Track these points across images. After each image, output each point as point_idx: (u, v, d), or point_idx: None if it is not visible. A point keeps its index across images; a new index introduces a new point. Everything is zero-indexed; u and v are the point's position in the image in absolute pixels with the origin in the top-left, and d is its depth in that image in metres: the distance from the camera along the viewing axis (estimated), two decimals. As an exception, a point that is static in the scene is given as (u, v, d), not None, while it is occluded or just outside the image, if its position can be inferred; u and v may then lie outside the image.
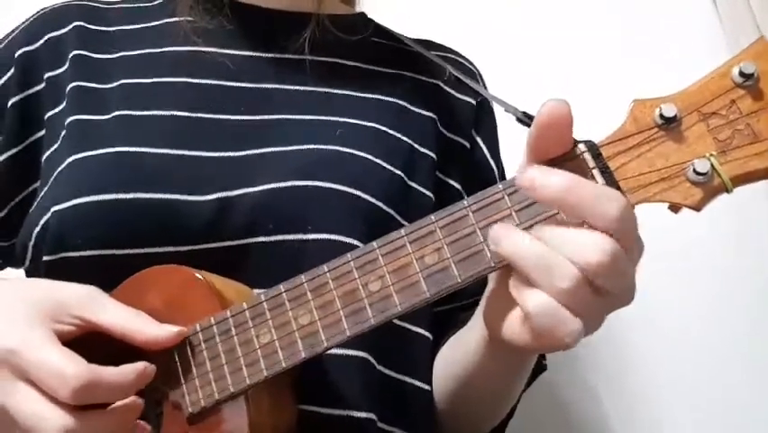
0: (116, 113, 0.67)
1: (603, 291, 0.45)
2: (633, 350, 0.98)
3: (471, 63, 0.83)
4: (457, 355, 0.65)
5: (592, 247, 0.44)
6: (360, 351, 0.61)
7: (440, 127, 0.75)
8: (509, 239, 0.46)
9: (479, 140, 0.78)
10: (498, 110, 0.67)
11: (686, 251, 0.97)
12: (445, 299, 0.69)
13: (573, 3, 1.11)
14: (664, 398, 0.96)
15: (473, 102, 0.78)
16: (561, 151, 0.48)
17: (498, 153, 0.80)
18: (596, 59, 1.07)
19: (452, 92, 0.78)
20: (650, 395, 0.97)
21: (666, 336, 0.98)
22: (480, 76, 0.83)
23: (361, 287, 0.50)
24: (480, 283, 0.52)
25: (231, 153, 0.65)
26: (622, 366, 0.98)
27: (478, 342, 0.59)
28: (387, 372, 0.63)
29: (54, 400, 0.48)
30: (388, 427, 0.62)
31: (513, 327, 0.49)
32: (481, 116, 0.78)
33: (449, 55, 0.82)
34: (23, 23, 0.77)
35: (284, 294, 0.52)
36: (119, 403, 0.50)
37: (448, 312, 0.71)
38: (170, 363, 0.54)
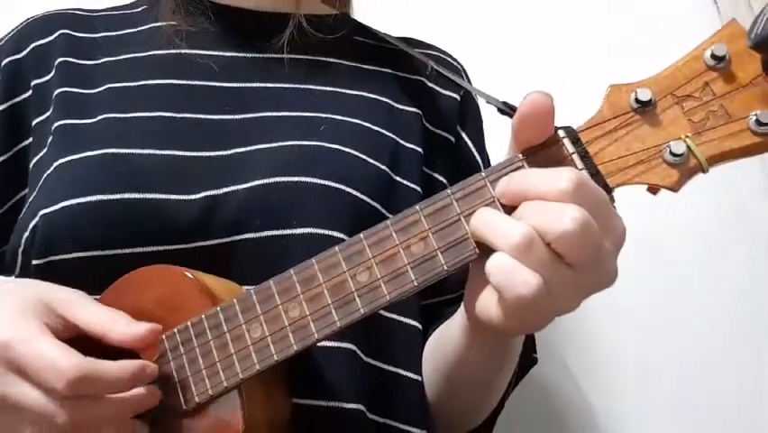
0: (102, 116, 0.68)
1: (571, 261, 0.46)
2: (619, 340, 0.99)
3: (455, 59, 0.84)
4: (441, 347, 0.65)
5: (556, 213, 0.45)
6: (346, 342, 0.61)
7: (425, 122, 0.76)
8: (475, 215, 0.49)
9: (463, 134, 0.78)
10: (482, 102, 0.68)
11: (672, 241, 0.98)
12: (431, 292, 0.70)
13: (574, 3, 1.12)
14: (649, 388, 0.97)
15: (457, 97, 0.79)
16: (542, 139, 0.50)
17: (484, 146, 0.81)
18: (596, 59, 1.07)
19: (436, 87, 0.79)
20: (633, 385, 0.98)
21: (650, 325, 0.99)
22: (464, 71, 0.84)
23: (349, 278, 0.51)
24: (466, 276, 0.53)
25: (217, 152, 0.65)
26: (609, 358, 0.99)
27: (459, 331, 0.60)
28: (374, 363, 0.64)
29: (47, 391, 0.49)
30: (378, 418, 0.62)
31: (487, 304, 0.50)
32: (465, 110, 0.79)
33: (431, 52, 0.82)
34: (10, 32, 0.78)
35: (273, 288, 0.53)
36: (124, 394, 0.51)
37: (433, 306, 0.71)
38: (163, 360, 0.54)
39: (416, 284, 0.50)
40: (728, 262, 1.01)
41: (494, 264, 0.46)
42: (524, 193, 0.48)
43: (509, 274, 0.46)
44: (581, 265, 0.46)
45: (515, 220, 0.47)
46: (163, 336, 0.55)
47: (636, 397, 0.97)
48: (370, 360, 0.63)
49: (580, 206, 0.45)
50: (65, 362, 0.49)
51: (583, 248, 0.46)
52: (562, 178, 0.46)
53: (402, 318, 0.67)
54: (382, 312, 0.64)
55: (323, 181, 0.64)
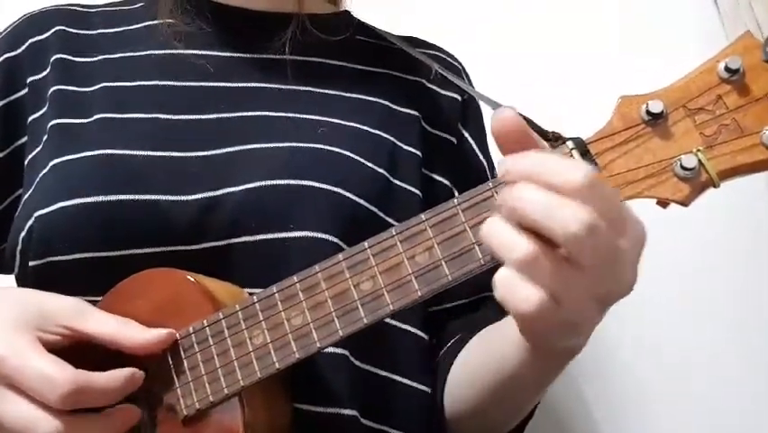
0: (98, 116, 0.67)
1: (580, 265, 0.43)
2: (619, 349, 0.98)
3: (456, 59, 0.83)
4: (487, 362, 0.63)
5: (567, 215, 0.42)
6: (338, 348, 0.60)
7: (424, 124, 0.75)
8: (484, 225, 0.46)
9: (466, 135, 0.78)
10: (485, 105, 0.67)
11: (674, 248, 0.98)
12: (437, 300, 0.70)
13: (575, 3, 1.11)
14: (650, 396, 0.97)
15: (459, 98, 0.78)
16: (529, 148, 0.46)
17: (487, 147, 0.80)
18: (596, 60, 1.06)
19: (437, 89, 0.78)
20: (633, 391, 0.97)
21: (652, 333, 0.98)
22: (465, 72, 0.83)
23: (352, 287, 0.50)
24: (471, 285, 0.52)
25: (213, 152, 0.65)
26: (608, 366, 0.99)
27: (514, 348, 0.57)
28: (368, 368, 0.63)
29: (42, 405, 0.49)
30: (372, 424, 0.62)
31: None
32: (468, 111, 0.79)
33: (433, 52, 0.81)
34: (7, 28, 0.77)
35: (276, 295, 0.52)
36: (115, 408, 0.51)
37: (439, 313, 0.71)
38: (164, 366, 0.54)
39: (420, 294, 0.49)
40: (730, 265, 1.01)
41: (497, 279, 0.45)
42: (534, 175, 0.44)
43: (510, 289, 0.44)
44: (593, 268, 0.44)
45: (521, 233, 0.44)
46: None
47: (637, 403, 0.97)
48: (363, 365, 0.63)
49: (591, 206, 0.42)
50: (58, 375, 0.49)
51: (594, 250, 0.43)
52: (577, 172, 0.43)
53: (400, 325, 0.66)
54: None
55: (320, 185, 0.63)
